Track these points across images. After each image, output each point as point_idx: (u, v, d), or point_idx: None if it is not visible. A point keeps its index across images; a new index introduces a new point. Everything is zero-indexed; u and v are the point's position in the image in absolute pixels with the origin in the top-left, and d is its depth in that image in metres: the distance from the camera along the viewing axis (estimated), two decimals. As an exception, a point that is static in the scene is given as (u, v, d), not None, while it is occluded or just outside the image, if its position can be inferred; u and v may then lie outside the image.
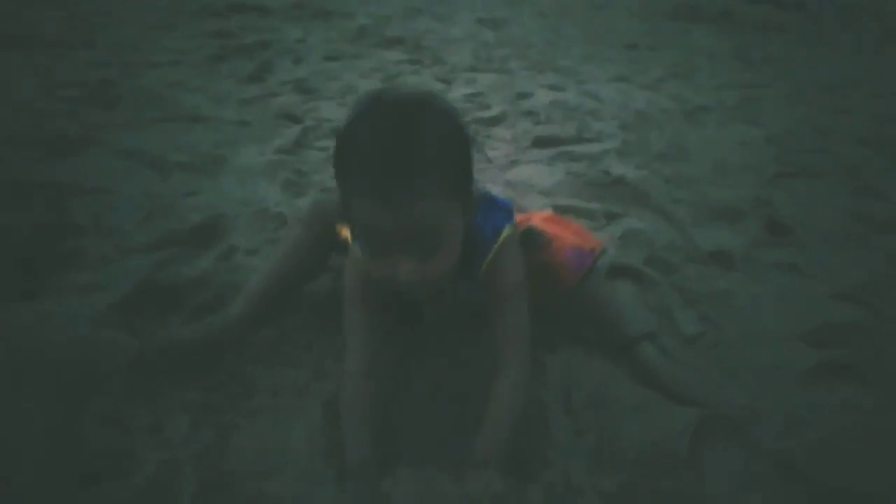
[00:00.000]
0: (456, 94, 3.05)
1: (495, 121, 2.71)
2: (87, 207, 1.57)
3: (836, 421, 1.19)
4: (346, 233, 1.16)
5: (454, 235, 0.95)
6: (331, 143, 2.24)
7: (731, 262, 1.70)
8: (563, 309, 1.26)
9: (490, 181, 2.07)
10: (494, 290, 1.05)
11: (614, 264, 1.63)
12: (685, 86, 3.72)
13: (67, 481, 0.93)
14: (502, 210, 1.10)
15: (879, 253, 1.88)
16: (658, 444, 1.06)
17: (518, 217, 1.23)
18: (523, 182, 2.08)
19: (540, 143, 2.48)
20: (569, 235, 1.23)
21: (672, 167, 2.36)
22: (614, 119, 2.89)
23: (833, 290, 1.62)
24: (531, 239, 1.22)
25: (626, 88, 3.51)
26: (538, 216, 1.31)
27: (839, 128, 3.08)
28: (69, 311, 1.18)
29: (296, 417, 1.08)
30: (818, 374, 1.33)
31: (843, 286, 1.64)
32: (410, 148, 0.87)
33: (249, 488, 0.96)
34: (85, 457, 0.97)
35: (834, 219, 2.05)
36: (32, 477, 0.92)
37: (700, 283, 1.59)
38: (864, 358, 1.37)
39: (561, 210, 1.92)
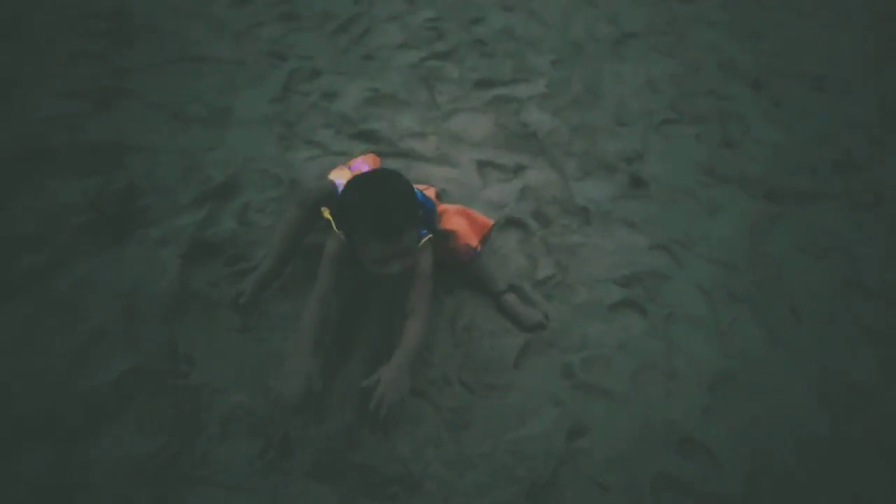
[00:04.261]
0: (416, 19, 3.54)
1: (448, 55, 3.27)
2: (141, 165, 2.24)
3: (613, 340, 2.03)
4: (328, 215, 1.87)
5: (416, 244, 1.72)
6: (310, 87, 2.85)
7: (589, 218, 2.45)
8: (461, 271, 2.04)
9: (433, 132, 2.73)
10: (416, 271, 1.81)
11: (510, 217, 2.38)
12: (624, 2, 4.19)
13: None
14: (426, 220, 1.83)
15: (704, 205, 2.65)
16: (499, 356, 1.90)
17: (440, 207, 1.98)
18: (457, 135, 2.74)
19: (479, 85, 3.09)
20: (466, 228, 1.97)
21: (580, 115, 3.01)
22: (550, 52, 3.45)
23: (652, 243, 2.40)
24: (444, 235, 1.95)
25: (571, 8, 3.98)
26: (452, 209, 2.03)
27: (740, 62, 3.67)
28: (155, 258, 1.93)
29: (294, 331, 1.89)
30: (617, 307, 2.15)
31: (660, 239, 2.42)
32: (393, 209, 1.61)
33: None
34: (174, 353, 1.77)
35: (685, 173, 2.78)
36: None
37: (562, 236, 2.36)
38: (649, 296, 2.20)
39: (483, 164, 2.62)
